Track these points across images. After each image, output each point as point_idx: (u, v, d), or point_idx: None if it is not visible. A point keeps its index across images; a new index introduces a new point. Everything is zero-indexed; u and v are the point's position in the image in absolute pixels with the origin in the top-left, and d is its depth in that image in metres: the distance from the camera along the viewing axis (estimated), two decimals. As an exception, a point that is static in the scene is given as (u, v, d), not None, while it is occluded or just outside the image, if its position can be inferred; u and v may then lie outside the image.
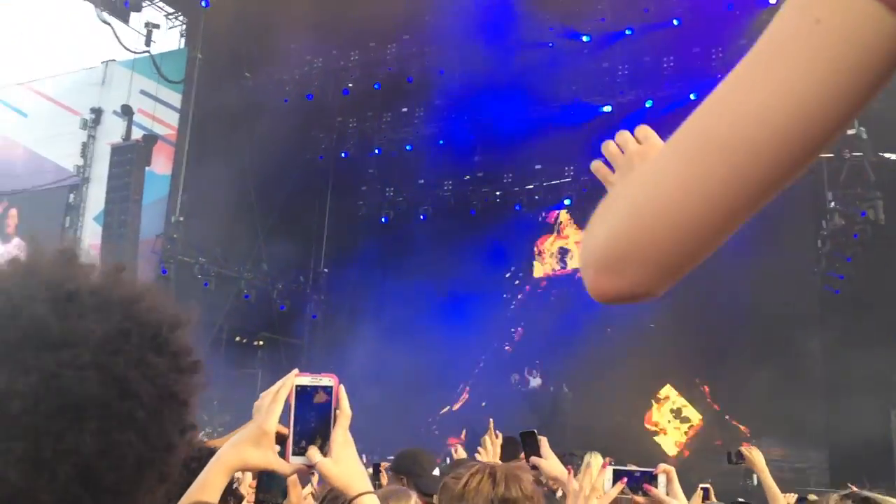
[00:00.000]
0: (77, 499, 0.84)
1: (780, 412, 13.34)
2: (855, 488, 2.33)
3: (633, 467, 2.75)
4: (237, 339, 17.20)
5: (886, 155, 13.66)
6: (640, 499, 2.57)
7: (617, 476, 2.62)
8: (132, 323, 0.90)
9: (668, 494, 2.50)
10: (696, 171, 0.69)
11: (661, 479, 2.53)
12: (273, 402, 1.61)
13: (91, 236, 17.68)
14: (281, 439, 1.60)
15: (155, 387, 0.89)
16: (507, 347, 17.95)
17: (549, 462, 2.77)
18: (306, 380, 1.62)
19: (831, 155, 14.07)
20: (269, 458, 1.59)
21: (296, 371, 1.65)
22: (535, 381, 16.14)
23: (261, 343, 17.76)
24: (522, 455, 2.84)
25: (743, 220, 0.70)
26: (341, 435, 1.60)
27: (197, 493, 1.60)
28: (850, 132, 12.34)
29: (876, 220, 12.15)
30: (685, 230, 0.69)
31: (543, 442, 2.86)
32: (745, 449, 4.53)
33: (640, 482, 2.57)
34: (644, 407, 16.32)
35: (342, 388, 1.63)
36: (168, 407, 0.91)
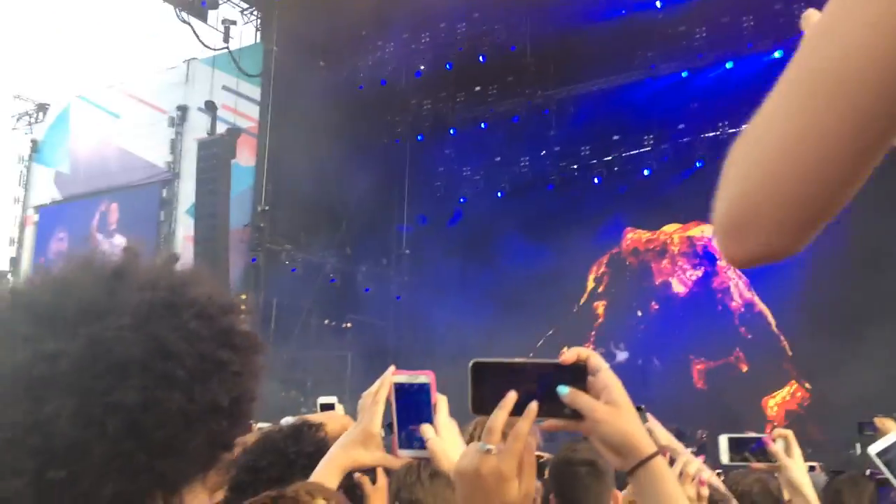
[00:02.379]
0: (129, 453, 0.93)
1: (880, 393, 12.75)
2: None
3: (752, 434, 2.72)
4: (326, 321, 17.69)
5: None
6: (758, 465, 2.56)
7: (733, 444, 2.61)
8: (177, 297, 1.00)
9: (788, 457, 2.49)
10: (806, 114, 0.64)
11: (780, 443, 2.52)
12: (374, 404, 1.68)
13: (185, 229, 18.47)
14: None
15: (198, 352, 0.98)
16: (593, 323, 17.84)
17: (658, 431, 2.80)
18: (403, 377, 1.66)
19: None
20: (377, 456, 1.69)
21: (392, 369, 1.69)
22: (622, 355, 16.02)
23: (349, 325, 18.20)
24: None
25: (865, 160, 0.64)
26: (444, 416, 1.65)
27: None
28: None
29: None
30: (803, 180, 0.64)
31: (650, 417, 2.89)
32: (878, 420, 4.30)
33: (757, 448, 2.56)
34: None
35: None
36: (216, 373, 0.99)
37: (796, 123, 0.65)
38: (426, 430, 1.61)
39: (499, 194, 18.40)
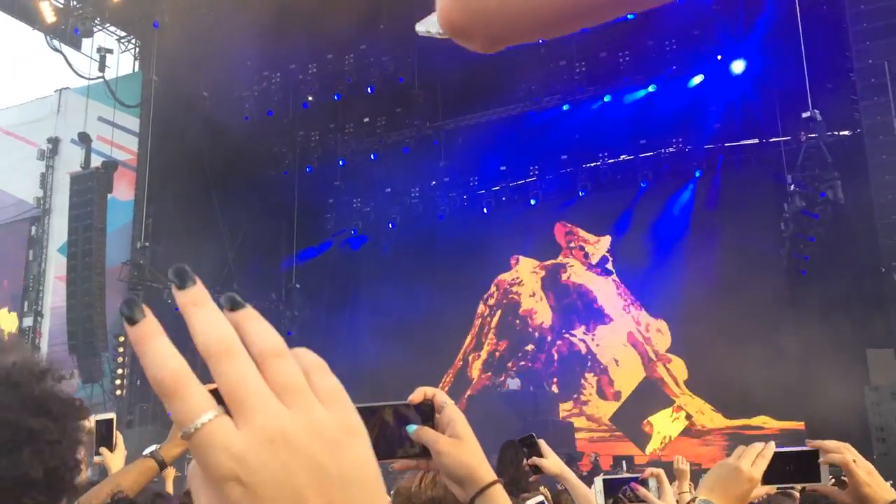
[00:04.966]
0: None
1: (760, 392, 13.50)
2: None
3: (625, 475, 2.70)
4: (212, 361, 16.98)
5: (841, 133, 13.94)
6: None
7: (608, 486, 2.59)
8: None
9: (659, 498, 2.49)
10: None
11: (652, 482, 2.52)
12: None
13: (56, 268, 17.39)
14: None
15: (1, 420, 0.92)
16: (481, 353, 17.97)
17: (550, 460, 2.78)
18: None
19: (788, 138, 14.34)
20: None
21: None
22: (514, 383, 16.14)
23: (237, 364, 17.55)
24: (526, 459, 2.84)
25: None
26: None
27: None
28: (804, 115, 12.56)
29: (835, 199, 12.36)
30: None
31: (542, 443, 2.87)
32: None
33: (629, 490, 2.54)
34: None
35: None
36: (25, 443, 0.93)
37: None
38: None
39: (390, 225, 18.37)
